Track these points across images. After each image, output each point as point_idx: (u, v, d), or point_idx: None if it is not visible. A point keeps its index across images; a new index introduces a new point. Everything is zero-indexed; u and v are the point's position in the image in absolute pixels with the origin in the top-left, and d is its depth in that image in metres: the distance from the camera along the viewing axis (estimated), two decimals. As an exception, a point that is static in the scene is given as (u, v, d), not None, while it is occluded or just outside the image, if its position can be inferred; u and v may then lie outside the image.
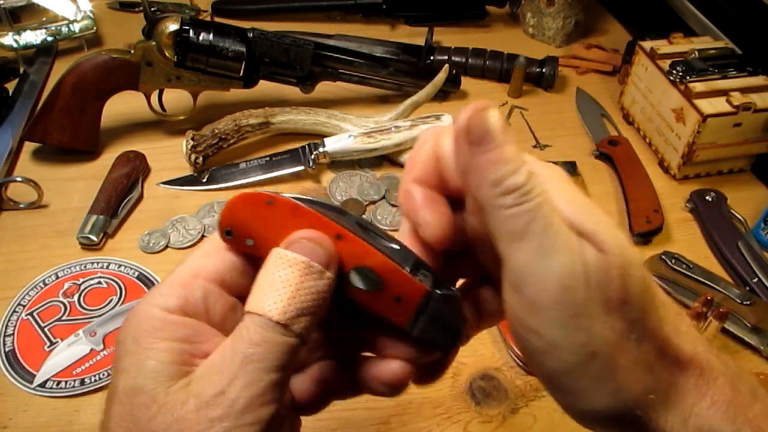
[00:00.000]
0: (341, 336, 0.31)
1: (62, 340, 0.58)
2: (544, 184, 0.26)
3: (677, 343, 0.27)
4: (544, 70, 0.92)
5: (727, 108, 0.73)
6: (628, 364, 0.26)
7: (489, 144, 0.26)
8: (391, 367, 0.29)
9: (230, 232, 0.29)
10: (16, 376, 0.55)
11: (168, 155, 0.78)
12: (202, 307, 0.28)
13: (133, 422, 0.25)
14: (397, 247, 0.29)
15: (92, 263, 0.66)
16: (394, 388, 0.30)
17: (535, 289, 0.25)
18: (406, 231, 0.31)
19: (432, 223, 0.29)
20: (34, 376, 0.55)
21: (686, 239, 0.72)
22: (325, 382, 0.31)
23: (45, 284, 0.63)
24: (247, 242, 0.28)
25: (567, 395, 0.28)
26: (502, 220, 0.26)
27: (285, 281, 0.26)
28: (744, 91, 0.74)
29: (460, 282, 0.33)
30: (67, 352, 0.57)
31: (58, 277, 0.64)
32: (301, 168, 0.76)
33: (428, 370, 0.31)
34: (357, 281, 0.28)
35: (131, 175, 0.73)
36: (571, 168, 0.78)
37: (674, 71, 0.77)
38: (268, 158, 0.77)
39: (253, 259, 0.29)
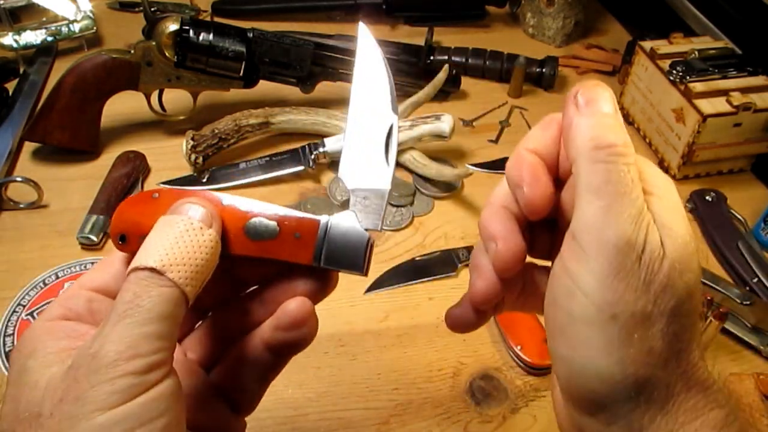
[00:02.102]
0: (243, 311, 0.32)
1: (62, 340, 0.58)
2: (643, 165, 0.29)
3: (696, 361, 0.28)
4: (544, 70, 0.92)
5: (727, 108, 0.73)
6: (643, 346, 0.26)
7: (595, 107, 0.28)
8: (286, 309, 0.30)
9: (124, 237, 0.29)
10: (16, 376, 0.55)
11: (168, 155, 0.78)
12: (86, 312, 0.29)
13: (16, 406, 0.26)
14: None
15: (92, 263, 0.65)
16: (294, 325, 0.30)
17: (589, 238, 0.27)
18: (501, 196, 0.33)
19: (534, 193, 0.30)
20: (34, 376, 0.55)
21: (686, 239, 0.72)
22: (243, 366, 0.32)
23: (45, 284, 0.63)
24: (140, 241, 0.28)
25: (574, 347, 0.28)
26: (587, 171, 0.27)
27: (164, 236, 0.27)
28: (744, 91, 0.74)
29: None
30: (67, 352, 0.57)
31: (58, 277, 0.64)
32: (301, 168, 0.76)
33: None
34: (254, 233, 0.29)
35: (131, 175, 0.73)
36: (571, 168, 0.78)
37: (674, 71, 0.77)
38: (268, 158, 0.77)
39: None
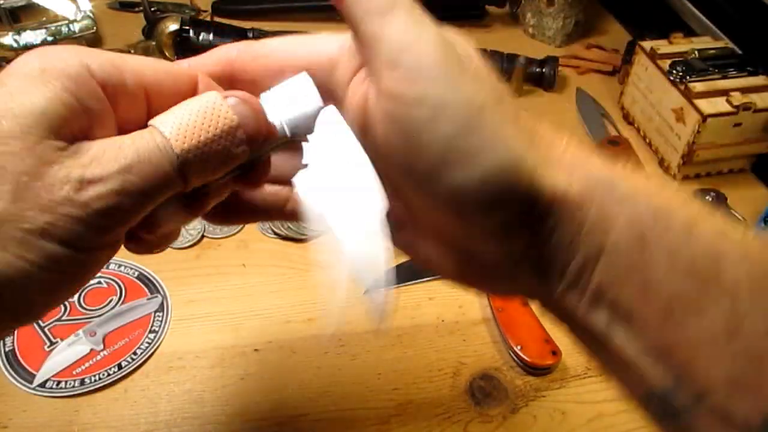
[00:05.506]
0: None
1: (62, 339, 0.58)
2: None
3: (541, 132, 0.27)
4: (544, 70, 0.92)
5: (727, 108, 0.73)
6: (514, 121, 0.26)
7: None
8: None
9: None
10: (16, 376, 0.55)
11: (168, 155, 0.78)
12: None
13: None
14: None
15: (92, 263, 0.65)
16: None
17: (415, 54, 0.25)
18: None
19: None
20: (34, 375, 0.55)
21: (686, 239, 0.72)
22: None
23: (45, 284, 0.63)
24: None
25: (456, 165, 0.25)
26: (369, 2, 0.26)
27: (202, 124, 0.26)
28: (744, 91, 0.74)
29: None
30: (66, 352, 0.57)
31: (58, 277, 0.64)
32: (301, 168, 0.76)
33: None
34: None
35: (131, 175, 0.73)
36: (571, 168, 0.78)
37: (674, 71, 0.78)
38: (268, 158, 0.77)
39: None
